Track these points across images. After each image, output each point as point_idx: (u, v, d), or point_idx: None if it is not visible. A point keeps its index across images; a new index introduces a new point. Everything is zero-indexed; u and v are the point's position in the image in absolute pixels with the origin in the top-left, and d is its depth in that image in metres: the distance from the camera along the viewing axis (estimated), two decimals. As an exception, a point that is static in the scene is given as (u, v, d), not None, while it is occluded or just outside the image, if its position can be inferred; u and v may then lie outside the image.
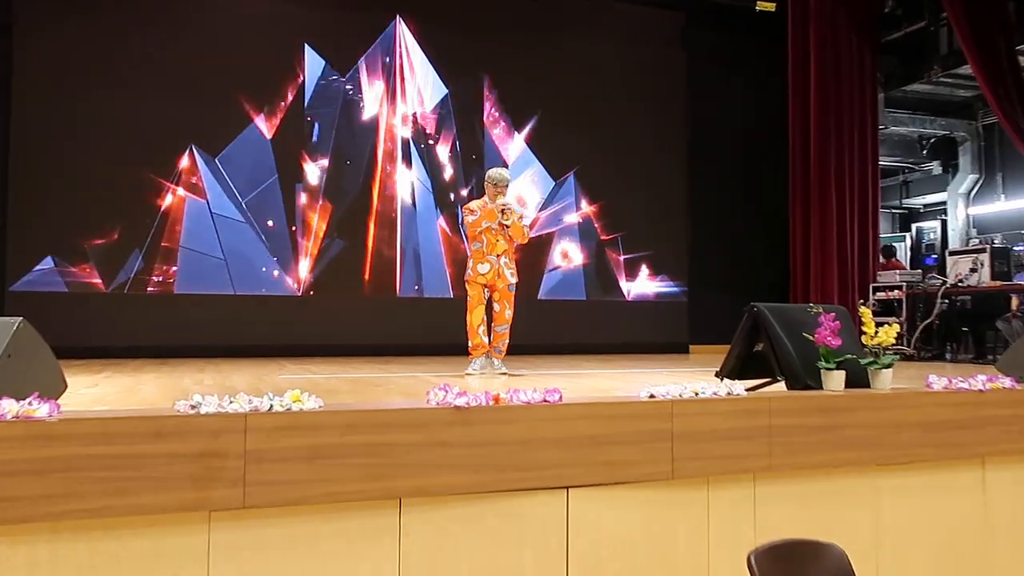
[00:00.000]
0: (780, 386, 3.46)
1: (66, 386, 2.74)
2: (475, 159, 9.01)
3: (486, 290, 5.51)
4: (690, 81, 9.85)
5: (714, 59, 9.86)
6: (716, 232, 9.79)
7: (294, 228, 8.33)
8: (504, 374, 5.46)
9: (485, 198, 5.62)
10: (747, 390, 3.12)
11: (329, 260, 8.42)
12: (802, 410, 3.02)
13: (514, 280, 5.54)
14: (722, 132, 9.88)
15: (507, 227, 5.47)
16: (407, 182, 8.76)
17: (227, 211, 8.11)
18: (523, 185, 9.21)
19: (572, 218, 9.39)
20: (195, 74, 8.07)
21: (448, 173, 8.90)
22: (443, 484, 2.49)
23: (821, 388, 3.30)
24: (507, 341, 5.61)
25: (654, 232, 9.64)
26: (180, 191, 7.98)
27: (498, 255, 5.47)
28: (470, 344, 5.52)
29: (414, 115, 8.84)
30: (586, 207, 9.45)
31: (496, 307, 5.56)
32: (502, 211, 5.41)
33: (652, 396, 2.87)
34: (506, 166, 9.13)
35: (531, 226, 9.20)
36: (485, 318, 5.51)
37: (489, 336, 5.57)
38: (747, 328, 3.52)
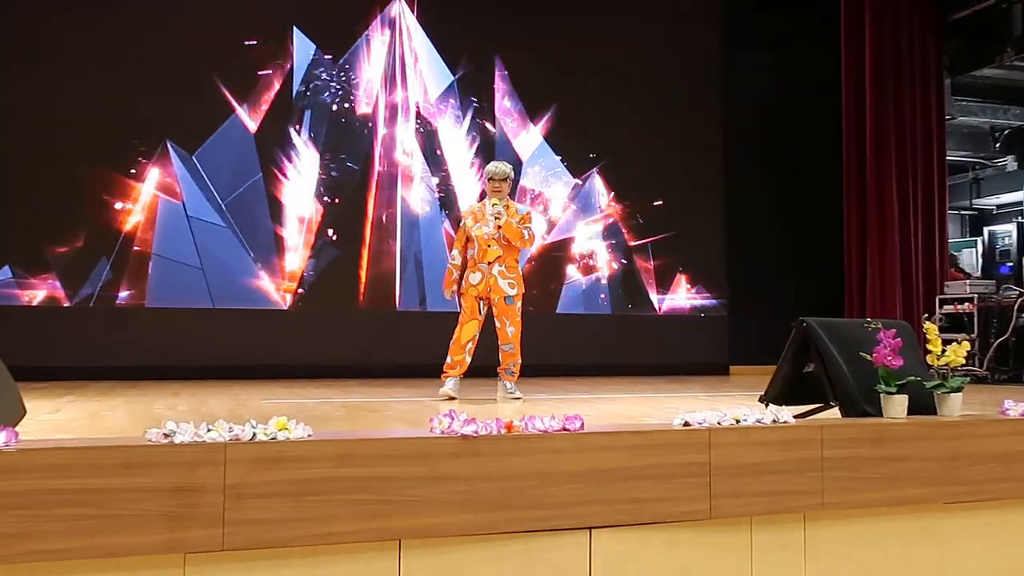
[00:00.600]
0: (833, 412, 3.44)
1: (25, 412, 2.76)
2: (485, 154, 9.04)
3: (482, 304, 5.49)
4: (729, 66, 9.85)
5: (756, 41, 9.85)
6: (760, 237, 9.76)
7: (281, 233, 8.37)
8: (517, 399, 5.45)
9: (484, 200, 5.64)
10: (796, 417, 3.11)
11: (320, 269, 8.46)
12: (859, 440, 3.01)
13: (513, 292, 5.50)
14: (766, 124, 9.86)
15: (499, 229, 5.45)
16: (408, 181, 8.79)
17: (205, 214, 8.16)
18: (539, 183, 9.23)
19: (595, 221, 9.39)
20: (169, 61, 8.14)
21: (454, 170, 8.93)
22: (448, 524, 2.49)
23: (880, 415, 3.28)
24: (518, 361, 5.60)
25: (689, 237, 9.62)
26: (152, 192, 8.04)
27: (489, 263, 5.46)
28: (448, 360, 5.50)
29: (416, 105, 8.88)
30: (611, 208, 9.45)
31: (497, 324, 5.55)
32: (496, 216, 5.43)
33: (687, 424, 2.87)
34: (519, 161, 9.15)
35: (549, 229, 9.20)
36: (477, 336, 5.48)
37: (473, 357, 5.53)
38: (795, 346, 3.51)
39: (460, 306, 5.61)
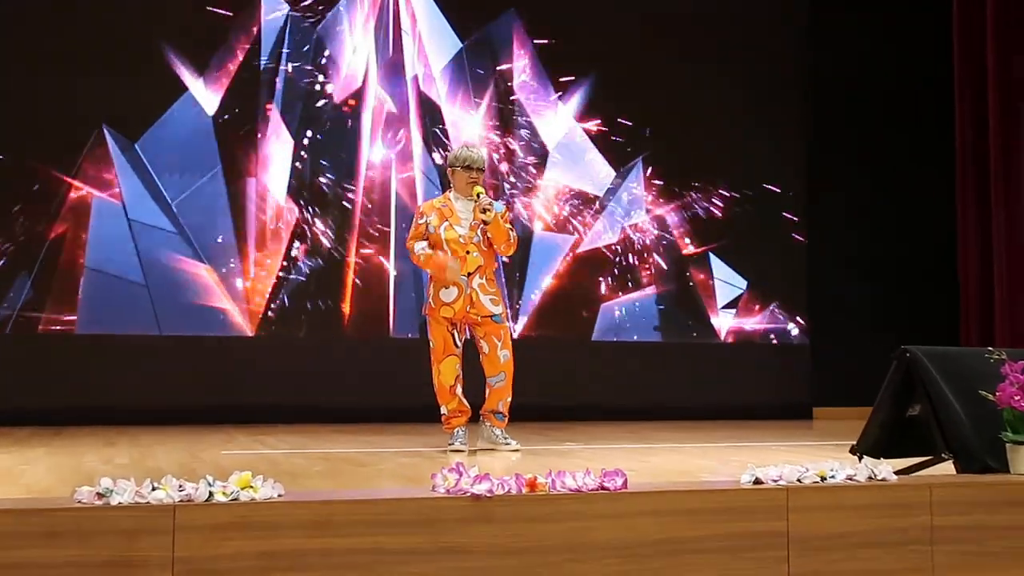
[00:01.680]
0: (946, 467, 3.41)
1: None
2: (501, 140, 9.05)
3: (456, 333, 5.39)
4: (812, 25, 9.83)
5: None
6: (851, 243, 9.70)
7: (246, 241, 8.40)
8: (515, 450, 5.40)
9: (448, 193, 5.55)
10: (897, 474, 3.08)
11: (295, 287, 8.48)
12: (979, 503, 2.99)
13: (498, 309, 5.40)
14: (858, 97, 9.82)
15: (486, 225, 5.31)
16: (406, 175, 8.82)
17: (151, 217, 8.21)
18: (569, 175, 9.22)
19: (641, 224, 9.38)
20: (106, 28, 8.21)
21: (463, 161, 8.93)
22: (455, 609, 2.48)
23: (1007, 470, 3.25)
24: (510, 399, 5.47)
25: (762, 243, 9.58)
26: (85, 189, 8.11)
27: (469, 275, 5.35)
28: (443, 411, 5.42)
29: (415, 79, 8.92)
30: (661, 207, 9.43)
31: (484, 347, 5.43)
32: (484, 210, 5.28)
33: (758, 482, 2.86)
34: (544, 149, 9.15)
35: (582, 235, 9.20)
36: (460, 375, 5.39)
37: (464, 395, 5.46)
38: (897, 383, 3.49)
39: (430, 333, 5.46)
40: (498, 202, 5.59)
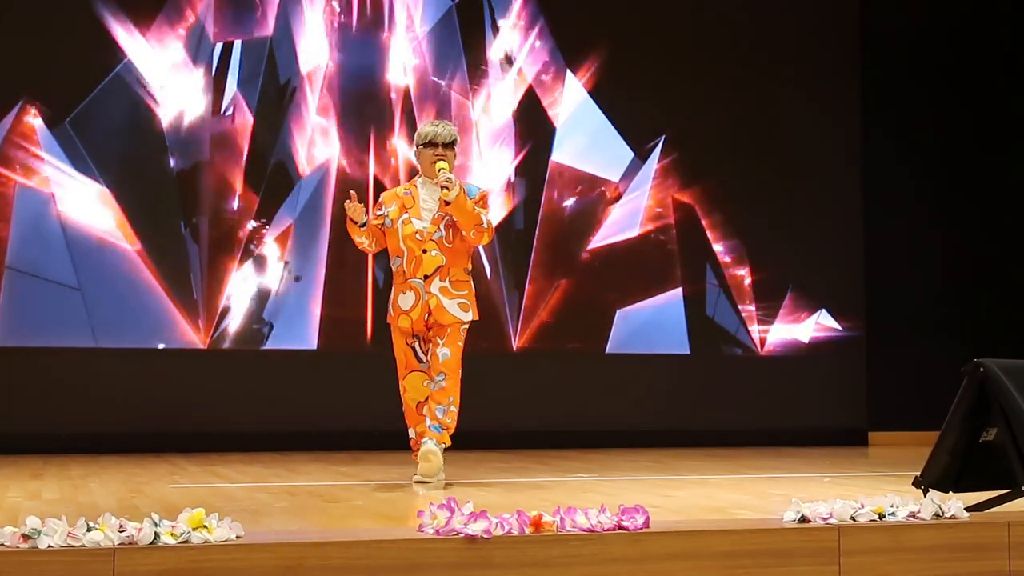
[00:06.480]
0: (1027, 502, 3.42)
1: None
2: (501, 118, 9.03)
3: (419, 347, 5.39)
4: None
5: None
6: (917, 239, 9.69)
7: (198, 236, 8.39)
8: (424, 481, 5.23)
9: (416, 179, 5.52)
10: (969, 510, 3.08)
11: (256, 291, 8.46)
12: (1067, 545, 2.98)
13: (467, 316, 5.35)
14: (924, 65, 9.81)
15: (447, 205, 5.21)
16: (385, 156, 8.81)
17: (85, 209, 8.20)
18: (580, 158, 9.20)
19: (665, 214, 9.37)
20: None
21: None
22: (446, 671, 2.48)
23: (1100, 506, 3.26)
24: (454, 407, 5.34)
25: (807, 237, 9.56)
26: (6, 175, 8.10)
27: (427, 276, 5.29)
28: (411, 434, 5.44)
29: (399, 42, 8.90)
30: (687, 194, 9.42)
31: (428, 347, 5.39)
32: (443, 187, 5.18)
33: (804, 520, 2.87)
34: (552, 125, 9.14)
35: (594, 229, 9.19)
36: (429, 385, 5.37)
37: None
38: (968, 403, 3.49)
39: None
40: (473, 186, 5.53)
